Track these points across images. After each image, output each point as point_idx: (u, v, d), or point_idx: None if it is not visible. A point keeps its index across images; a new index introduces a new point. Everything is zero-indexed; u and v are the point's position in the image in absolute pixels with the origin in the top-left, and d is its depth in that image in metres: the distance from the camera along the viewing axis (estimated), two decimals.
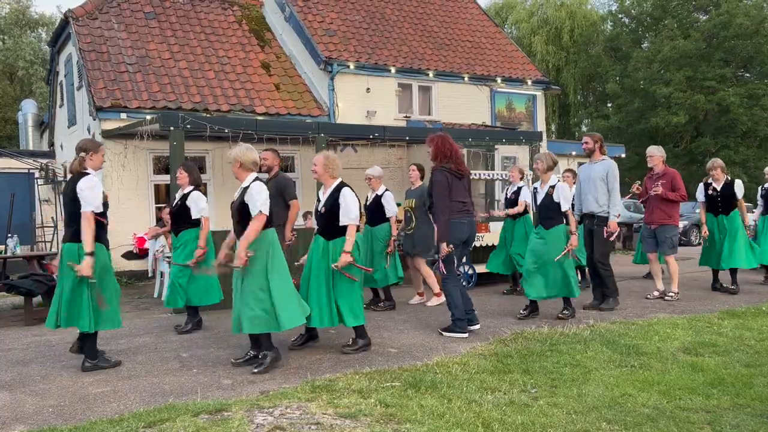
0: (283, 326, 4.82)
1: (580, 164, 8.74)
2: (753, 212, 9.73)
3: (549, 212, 6.72)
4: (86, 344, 5.12)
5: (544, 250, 6.66)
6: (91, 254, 4.80)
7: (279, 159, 7.12)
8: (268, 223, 5.03)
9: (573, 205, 7.35)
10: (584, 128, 33.37)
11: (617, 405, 3.98)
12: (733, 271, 8.58)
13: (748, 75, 28.54)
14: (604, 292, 7.26)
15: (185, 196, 6.49)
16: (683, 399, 4.10)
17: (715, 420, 3.73)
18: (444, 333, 6.07)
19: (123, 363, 5.27)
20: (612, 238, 7.20)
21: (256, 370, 4.86)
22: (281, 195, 6.74)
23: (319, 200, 5.54)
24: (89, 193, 4.86)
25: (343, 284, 5.33)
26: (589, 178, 7.27)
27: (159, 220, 10.27)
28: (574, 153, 16.77)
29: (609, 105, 31.58)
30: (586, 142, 7.38)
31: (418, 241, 7.68)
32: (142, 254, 10.28)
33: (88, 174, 4.97)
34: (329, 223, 5.40)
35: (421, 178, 7.95)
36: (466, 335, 5.99)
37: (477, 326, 6.20)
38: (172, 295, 6.50)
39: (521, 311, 6.94)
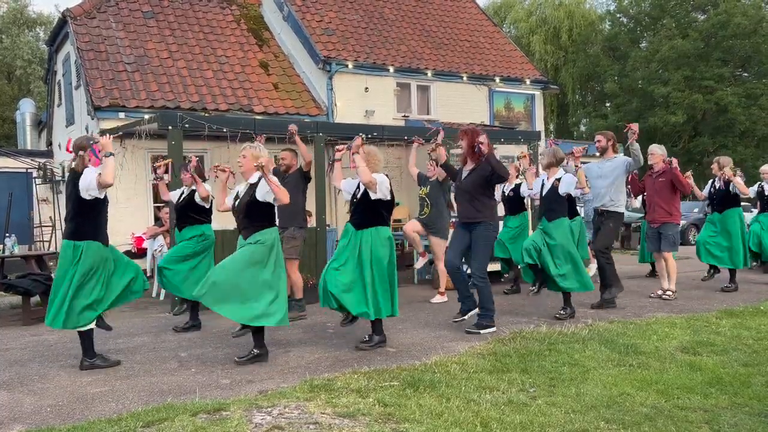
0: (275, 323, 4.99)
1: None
2: (751, 212, 9.77)
3: (553, 204, 6.76)
4: (82, 342, 5.14)
5: (549, 242, 6.67)
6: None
7: (297, 158, 7.41)
8: (273, 222, 5.09)
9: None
10: (582, 128, 33.40)
11: (616, 404, 3.98)
12: (732, 271, 8.66)
13: (746, 75, 28.55)
14: (604, 282, 7.27)
15: (193, 192, 6.53)
16: (681, 398, 4.10)
17: (713, 419, 3.74)
18: (476, 330, 6.04)
19: (121, 362, 5.27)
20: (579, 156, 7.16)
21: (238, 359, 5.00)
22: (301, 184, 7.23)
23: (358, 188, 5.68)
24: (90, 178, 4.92)
25: (372, 275, 5.42)
26: (600, 175, 7.33)
27: (157, 220, 10.27)
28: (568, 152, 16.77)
29: (607, 104, 31.56)
30: (599, 140, 7.45)
31: (432, 223, 7.92)
32: (141, 253, 10.26)
33: (87, 168, 5.02)
34: (361, 211, 5.56)
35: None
36: (494, 328, 6.11)
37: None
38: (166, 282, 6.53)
39: (560, 311, 6.82)
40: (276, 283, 5.01)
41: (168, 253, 6.68)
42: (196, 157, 6.75)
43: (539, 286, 6.81)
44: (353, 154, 5.51)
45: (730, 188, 8.59)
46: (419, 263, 8.24)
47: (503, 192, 8.90)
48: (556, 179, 6.76)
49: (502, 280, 9.55)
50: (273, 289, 4.99)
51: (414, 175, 7.90)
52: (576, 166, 7.02)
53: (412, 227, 8.23)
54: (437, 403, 3.96)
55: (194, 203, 6.49)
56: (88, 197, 4.95)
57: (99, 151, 4.97)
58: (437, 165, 6.93)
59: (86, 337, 5.10)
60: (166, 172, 6.85)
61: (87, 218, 5.01)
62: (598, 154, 7.72)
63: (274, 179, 4.99)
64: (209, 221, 6.65)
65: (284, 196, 4.97)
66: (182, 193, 6.72)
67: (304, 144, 7.34)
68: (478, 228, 6.07)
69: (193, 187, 6.54)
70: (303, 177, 7.25)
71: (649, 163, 8.09)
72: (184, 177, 6.63)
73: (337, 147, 5.93)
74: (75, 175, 5.00)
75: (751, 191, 9.31)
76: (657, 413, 3.83)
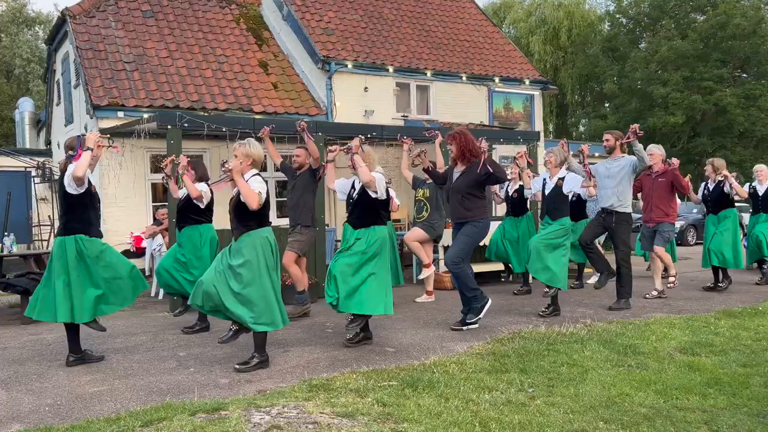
0: (267, 327, 4.93)
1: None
2: (750, 212, 9.77)
3: (557, 203, 6.78)
4: (68, 338, 5.16)
5: (549, 236, 6.70)
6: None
7: (310, 157, 7.35)
8: (265, 222, 5.06)
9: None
10: (581, 128, 33.42)
11: (614, 404, 3.98)
12: (723, 270, 8.68)
13: (745, 75, 28.56)
14: (620, 292, 7.30)
15: None
16: (680, 398, 4.11)
17: (712, 419, 3.74)
18: (475, 318, 6.09)
19: (120, 362, 5.27)
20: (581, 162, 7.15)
21: (238, 367, 4.92)
22: (312, 183, 7.19)
23: (353, 187, 5.70)
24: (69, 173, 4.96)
25: (373, 273, 5.45)
26: (608, 175, 7.33)
27: (156, 219, 10.26)
28: (572, 153, 16.78)
29: (606, 105, 31.58)
30: (607, 140, 7.46)
31: (431, 224, 7.92)
32: (140, 253, 10.26)
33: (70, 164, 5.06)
34: (359, 211, 5.59)
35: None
36: (489, 300, 6.17)
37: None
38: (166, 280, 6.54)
39: (542, 310, 6.91)
40: (269, 287, 4.93)
41: (166, 255, 6.65)
42: (188, 157, 6.72)
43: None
44: (353, 154, 5.52)
45: (725, 189, 8.59)
46: (423, 274, 8.14)
47: (507, 192, 8.90)
48: (560, 178, 6.77)
49: (502, 278, 9.54)
50: (268, 293, 4.91)
51: (408, 179, 7.85)
52: (584, 164, 7.03)
53: (414, 237, 8.03)
54: (436, 403, 3.96)
55: (192, 203, 6.50)
56: (73, 192, 5.00)
57: (81, 145, 4.99)
58: (423, 170, 6.89)
59: (74, 332, 5.13)
60: (173, 170, 6.85)
61: (74, 214, 5.05)
62: (606, 153, 7.71)
63: (240, 179, 4.85)
64: (209, 221, 6.63)
65: (252, 200, 4.78)
66: (185, 192, 6.74)
67: (312, 142, 7.28)
68: (466, 225, 6.16)
69: None
70: (313, 176, 7.23)
71: (648, 163, 8.09)
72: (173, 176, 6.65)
73: (329, 148, 5.93)
74: (62, 173, 5.08)
75: (744, 191, 9.32)
76: (655, 413, 3.83)
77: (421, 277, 8.18)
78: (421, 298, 8.10)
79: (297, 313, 6.93)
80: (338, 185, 5.90)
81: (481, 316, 6.10)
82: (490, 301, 6.20)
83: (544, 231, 6.85)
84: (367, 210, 5.58)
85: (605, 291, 7.52)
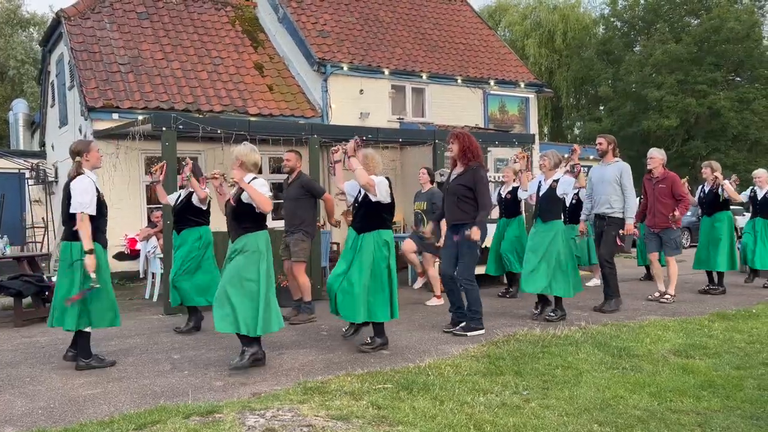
0: (260, 331, 4.87)
1: (572, 166, 8.74)
2: (744, 215, 9.81)
3: (549, 205, 6.78)
4: (79, 343, 5.14)
5: (542, 243, 6.69)
6: (91, 251, 4.89)
7: (301, 160, 7.33)
8: (262, 224, 5.04)
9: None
10: (576, 131, 33.52)
11: (608, 407, 3.99)
12: (719, 274, 8.71)
13: (738, 79, 28.72)
14: (606, 293, 7.30)
15: (191, 194, 6.50)
16: (674, 401, 4.12)
17: (706, 422, 3.75)
18: (463, 333, 6.08)
19: (116, 363, 5.24)
20: (623, 242, 7.22)
21: (232, 363, 4.88)
22: (308, 193, 7.08)
23: (360, 192, 5.66)
24: (77, 194, 4.93)
25: (370, 279, 5.44)
26: (602, 180, 7.31)
27: (150, 221, 10.24)
28: (566, 155, 16.84)
29: (601, 108, 31.69)
30: (600, 143, 7.43)
31: (418, 240, 7.85)
32: (134, 255, 10.24)
33: (82, 174, 5.04)
34: (362, 215, 5.55)
35: (431, 182, 8.07)
36: (483, 330, 6.13)
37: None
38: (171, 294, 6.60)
39: (533, 311, 6.93)
40: (264, 292, 4.89)
41: (175, 266, 6.57)
42: (191, 159, 6.72)
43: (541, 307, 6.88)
44: (349, 157, 5.49)
45: (719, 192, 8.62)
46: (417, 283, 8.15)
47: (500, 194, 8.89)
48: (554, 180, 6.78)
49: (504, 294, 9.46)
50: (261, 295, 4.87)
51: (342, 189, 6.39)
52: (576, 164, 7.03)
53: (410, 248, 8.08)
54: (431, 406, 3.96)
55: (192, 205, 6.49)
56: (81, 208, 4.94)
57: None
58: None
59: (85, 337, 5.10)
60: (162, 174, 6.82)
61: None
62: (598, 156, 7.71)
63: (249, 185, 4.85)
64: (207, 223, 6.63)
65: (265, 205, 4.81)
66: (179, 195, 6.71)
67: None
68: (464, 230, 6.08)
69: (190, 189, 6.52)
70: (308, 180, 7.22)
71: (648, 167, 8.07)
72: (182, 178, 6.63)
73: (332, 149, 5.89)
74: (70, 180, 5.02)
75: (744, 196, 9.33)
76: (650, 416, 3.84)
77: (415, 287, 8.17)
78: (431, 301, 8.06)
79: (303, 321, 6.92)
80: (348, 187, 5.84)
81: (467, 334, 6.05)
82: (483, 331, 6.12)
83: (535, 244, 6.81)
84: (369, 214, 5.52)
85: (603, 294, 7.50)
